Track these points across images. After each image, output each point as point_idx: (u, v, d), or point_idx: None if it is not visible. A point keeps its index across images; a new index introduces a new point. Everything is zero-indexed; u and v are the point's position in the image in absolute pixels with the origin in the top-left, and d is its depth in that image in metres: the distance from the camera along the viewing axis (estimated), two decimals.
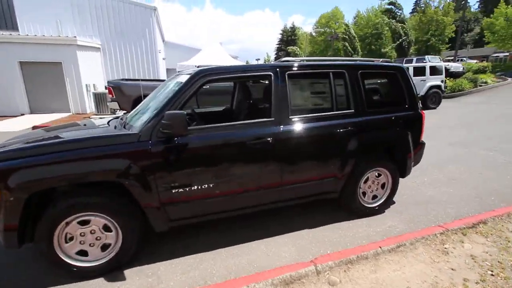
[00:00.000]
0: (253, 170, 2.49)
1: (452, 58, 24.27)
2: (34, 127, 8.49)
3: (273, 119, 2.53)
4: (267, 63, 2.71)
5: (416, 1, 42.27)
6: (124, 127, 2.45)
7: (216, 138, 2.35)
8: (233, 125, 2.44)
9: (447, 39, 32.80)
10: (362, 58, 3.10)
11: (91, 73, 13.21)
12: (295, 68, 2.67)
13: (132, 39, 15.20)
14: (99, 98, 11.20)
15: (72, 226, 2.09)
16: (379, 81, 3.14)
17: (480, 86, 16.18)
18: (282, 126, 2.54)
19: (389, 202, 3.29)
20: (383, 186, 3.21)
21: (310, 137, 2.67)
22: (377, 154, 3.07)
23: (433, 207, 3.36)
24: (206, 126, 2.37)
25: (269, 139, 2.47)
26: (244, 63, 18.33)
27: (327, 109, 2.79)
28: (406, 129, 3.14)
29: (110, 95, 8.36)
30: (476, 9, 48.81)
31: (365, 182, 3.09)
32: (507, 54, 32.14)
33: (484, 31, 27.05)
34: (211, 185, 2.36)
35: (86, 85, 12.43)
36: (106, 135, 2.20)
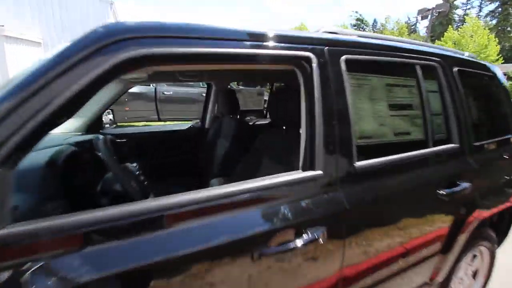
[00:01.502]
0: None
1: None
2: None
3: (320, 172, 0.97)
4: (298, 32, 1.04)
5: (373, 24, 45.02)
6: None
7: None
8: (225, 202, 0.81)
9: None
10: (445, 47, 1.70)
11: None
12: (358, 50, 1.15)
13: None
14: None
15: None
16: (472, 90, 1.78)
17: None
18: (341, 189, 1.00)
19: None
20: (474, 274, 1.82)
21: (393, 208, 1.17)
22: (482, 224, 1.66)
23: None
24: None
25: (317, 234, 0.89)
26: None
27: (418, 143, 1.29)
28: None
29: None
30: (424, 33, 53.21)
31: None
32: None
33: None
34: None
35: None
36: None
